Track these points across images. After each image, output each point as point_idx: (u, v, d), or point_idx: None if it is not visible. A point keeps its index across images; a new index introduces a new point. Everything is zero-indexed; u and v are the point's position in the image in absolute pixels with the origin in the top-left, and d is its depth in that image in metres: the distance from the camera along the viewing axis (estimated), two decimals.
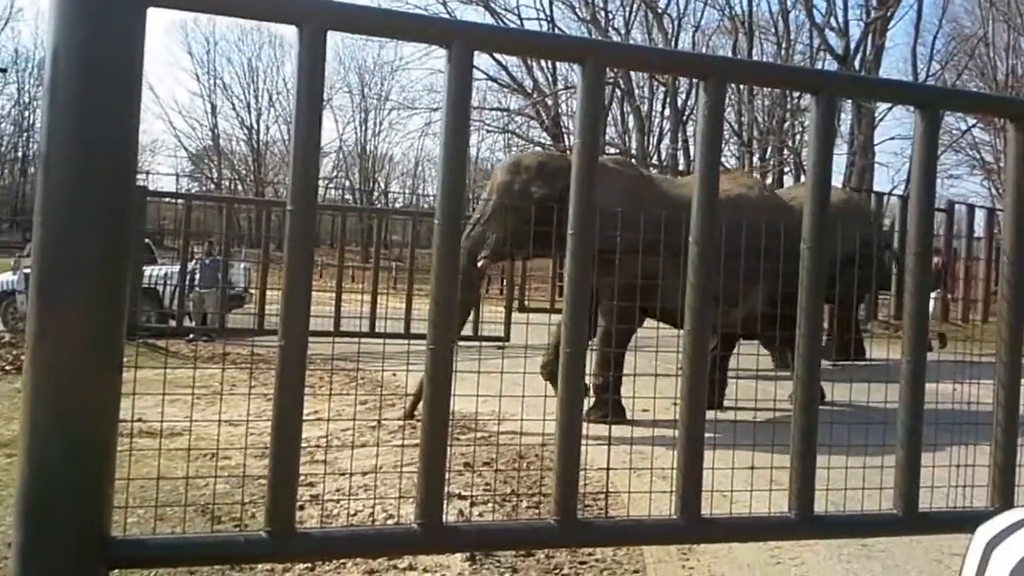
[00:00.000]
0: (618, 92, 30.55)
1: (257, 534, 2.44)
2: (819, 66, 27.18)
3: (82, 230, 2.32)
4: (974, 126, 29.56)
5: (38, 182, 2.34)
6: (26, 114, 45.10)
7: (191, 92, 50.76)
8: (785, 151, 29.70)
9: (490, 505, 4.15)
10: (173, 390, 3.12)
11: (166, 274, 12.59)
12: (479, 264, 6.70)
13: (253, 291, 12.81)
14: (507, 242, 6.58)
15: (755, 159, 31.64)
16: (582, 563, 3.63)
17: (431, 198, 15.04)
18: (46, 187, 2.32)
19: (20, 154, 46.17)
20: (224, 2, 2.78)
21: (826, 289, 3.40)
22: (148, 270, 12.34)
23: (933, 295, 11.54)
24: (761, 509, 3.10)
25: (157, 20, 2.61)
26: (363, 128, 46.73)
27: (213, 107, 46.56)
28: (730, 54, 29.21)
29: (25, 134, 45.93)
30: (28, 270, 10.80)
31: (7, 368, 8.66)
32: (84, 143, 2.32)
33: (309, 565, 3.16)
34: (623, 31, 30.54)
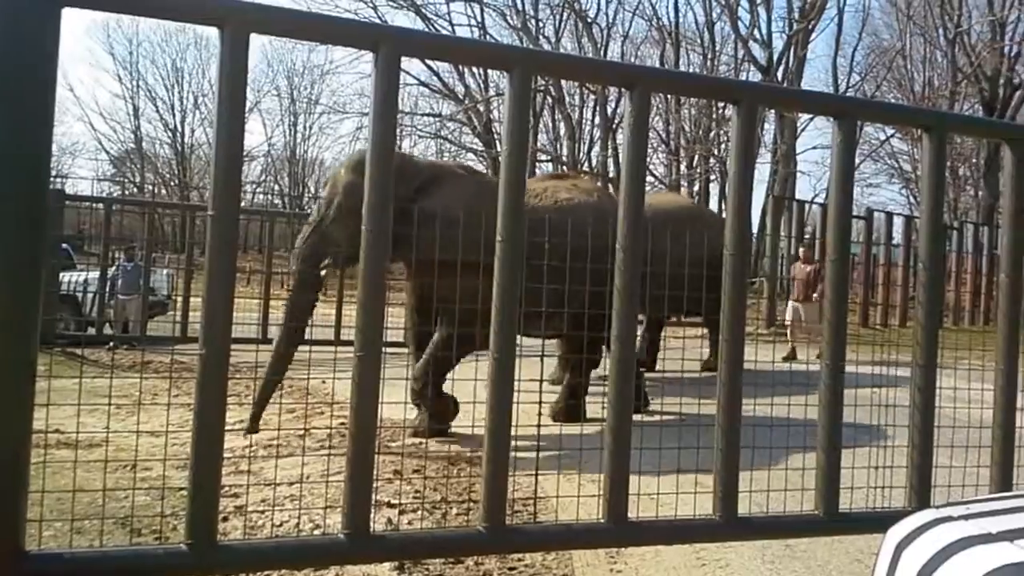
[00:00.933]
0: (549, 99, 30.78)
1: (177, 546, 2.39)
2: (743, 77, 27.84)
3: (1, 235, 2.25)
4: (892, 136, 30.61)
5: None
6: None
7: (113, 94, 49.80)
8: (711, 159, 30.29)
9: (419, 513, 4.12)
10: (91, 399, 3.02)
11: (85, 280, 12.20)
12: (322, 271, 6.27)
13: (176, 298, 12.49)
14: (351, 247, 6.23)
15: (683, 167, 32.20)
16: (511, 569, 3.64)
17: None
18: None
19: None
20: (143, 2, 2.72)
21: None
22: (66, 276, 11.94)
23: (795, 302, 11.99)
24: (687, 512, 3.16)
25: (77, 20, 2.55)
26: (292, 132, 46.13)
27: (136, 109, 45.40)
28: (658, 64, 29.72)
29: None
30: None
31: None
32: None
33: None
34: (553, 39, 30.78)
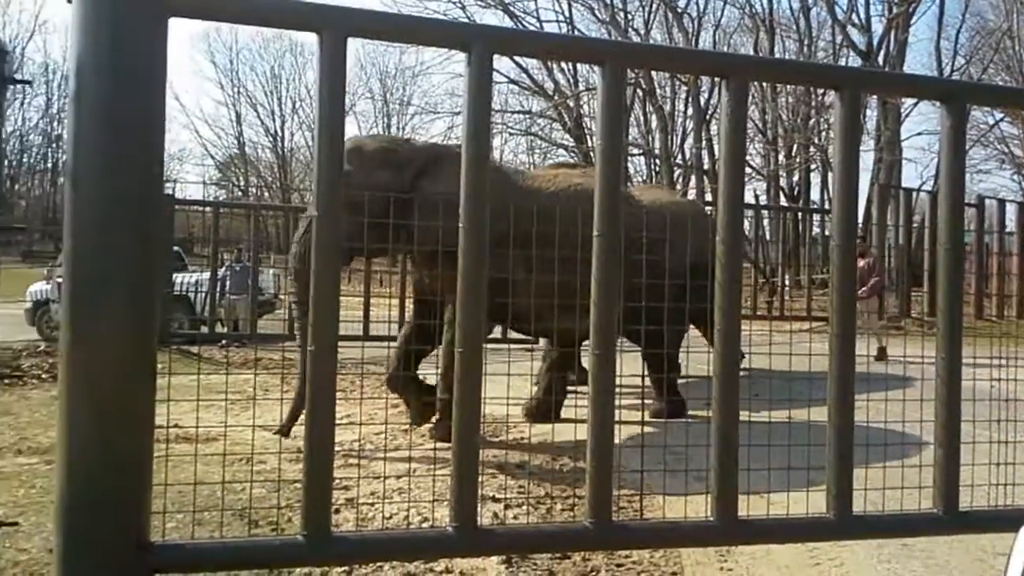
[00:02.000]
0: (640, 92, 30.45)
1: (294, 538, 2.45)
2: (842, 63, 26.98)
3: (111, 239, 2.33)
4: (1001, 120, 29.15)
5: (67, 193, 2.37)
6: (54, 125, 45.78)
7: (216, 101, 51.66)
8: (811, 148, 29.45)
9: (524, 508, 4.14)
10: (207, 395, 3.14)
11: (197, 281, 12.73)
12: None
13: (283, 296, 12.90)
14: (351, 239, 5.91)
15: (780, 157, 31.39)
16: (619, 565, 3.62)
17: None
18: (75, 198, 2.34)
19: (49, 165, 46.84)
20: (244, 11, 2.79)
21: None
22: (179, 277, 12.48)
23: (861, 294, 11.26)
24: (799, 510, 3.07)
25: (180, 31, 2.65)
26: (386, 133, 47.00)
27: (238, 115, 47.11)
28: (751, 52, 29.04)
29: (54, 144, 46.66)
30: (61, 279, 10.94)
31: (44, 376, 8.79)
32: (111, 154, 2.34)
33: (346, 568, 3.17)
34: (643, 31, 30.44)
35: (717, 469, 2.82)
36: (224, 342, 11.29)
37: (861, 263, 11.24)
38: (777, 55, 29.12)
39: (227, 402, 2.95)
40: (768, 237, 24.17)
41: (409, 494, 3.63)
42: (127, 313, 2.35)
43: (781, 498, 3.09)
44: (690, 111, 31.60)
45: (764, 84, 25.61)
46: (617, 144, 2.91)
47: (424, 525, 3.66)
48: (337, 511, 3.83)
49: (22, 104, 44.01)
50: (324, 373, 2.53)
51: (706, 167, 28.55)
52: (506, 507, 4.09)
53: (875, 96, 21.83)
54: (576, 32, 28.55)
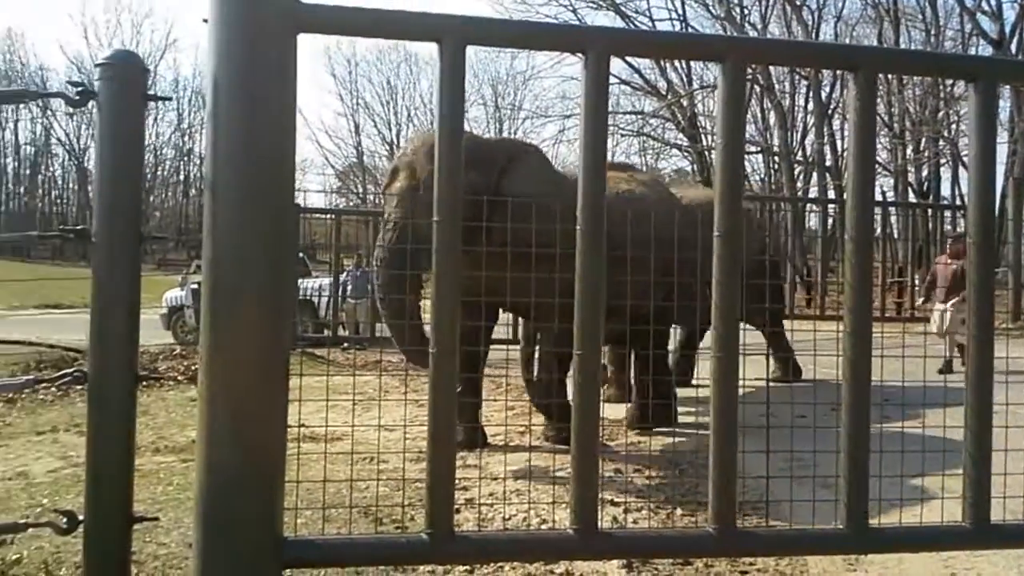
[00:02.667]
0: (757, 88, 29.71)
1: (419, 536, 2.50)
2: (972, 52, 25.61)
3: (247, 247, 2.43)
4: None
5: (205, 204, 2.48)
6: (185, 139, 48.29)
7: (336, 112, 53.15)
8: (941, 142, 28.06)
9: (644, 512, 4.10)
10: (333, 397, 3.25)
11: (320, 286, 13.18)
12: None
13: None
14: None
15: (908, 151, 30.04)
16: (743, 573, 3.54)
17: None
18: (213, 208, 2.45)
19: (182, 177, 49.43)
20: (368, 25, 2.86)
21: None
22: (304, 283, 12.95)
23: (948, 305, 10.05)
24: (933, 518, 2.94)
25: (303, 46, 2.74)
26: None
27: (356, 126, 48.50)
28: (875, 44, 27.92)
29: (186, 158, 49.21)
30: (195, 285, 11.52)
31: (179, 378, 9.27)
32: (246, 166, 2.44)
33: (468, 568, 3.22)
34: (760, 26, 29.70)
35: (846, 475, 2.72)
36: (345, 345, 11.63)
37: (953, 265, 10.09)
38: (903, 46, 27.92)
39: (354, 403, 3.04)
40: (896, 235, 23.20)
41: (529, 496, 3.65)
42: (261, 317, 2.44)
43: (915, 506, 2.95)
44: (811, 106, 30.61)
45: (890, 76, 24.57)
46: (739, 143, 2.84)
47: (543, 527, 3.67)
48: (458, 511, 3.88)
49: (156, 120, 46.65)
50: (445, 375, 2.57)
51: (828, 164, 27.57)
52: (625, 511, 4.06)
53: (1008, 86, 20.61)
54: (690, 29, 28.10)
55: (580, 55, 2.73)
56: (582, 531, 2.59)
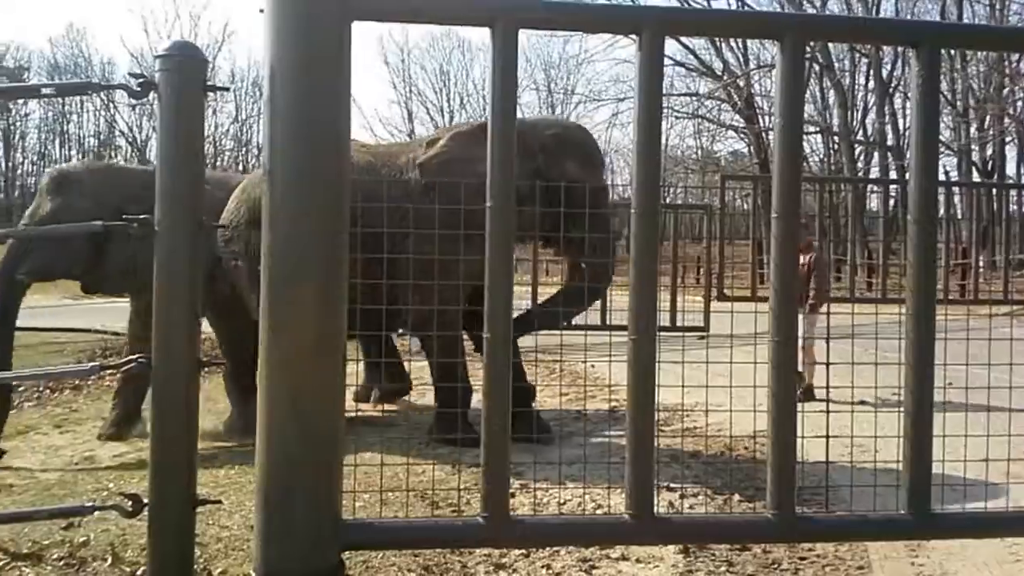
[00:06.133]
0: (816, 67, 29.08)
1: (475, 519, 2.52)
2: None
3: (305, 233, 2.46)
4: None
5: (264, 192, 2.52)
6: (243, 130, 49.04)
7: (389, 100, 53.45)
8: (1006, 119, 27.16)
9: (700, 498, 4.07)
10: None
11: None
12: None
13: None
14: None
15: (972, 129, 29.16)
16: (802, 559, 3.50)
17: (621, 189, 14.86)
18: (272, 196, 2.49)
19: (241, 168, 50.27)
20: (422, 11, 2.87)
21: None
22: None
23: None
24: (998, 504, 2.86)
25: (357, 35, 2.75)
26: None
27: (409, 113, 48.71)
28: (938, 19, 27.10)
29: (244, 148, 49.99)
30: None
31: None
32: (302, 153, 2.47)
33: (524, 552, 3.24)
34: (818, 3, 29.04)
35: (908, 460, 2.67)
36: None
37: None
38: (966, 20, 27.07)
39: (411, 388, 3.05)
40: (960, 216, 22.58)
41: (584, 480, 3.65)
42: (318, 302, 2.47)
43: (979, 492, 2.88)
44: (871, 85, 29.89)
45: (953, 52, 23.86)
46: (798, 123, 2.79)
47: (598, 512, 3.67)
48: (513, 495, 3.90)
49: (215, 111, 47.44)
50: (500, 361, 2.58)
51: (889, 143, 26.93)
52: (681, 497, 4.04)
53: None
54: (746, 7, 27.61)
55: (634, 37, 2.72)
56: (638, 516, 2.58)
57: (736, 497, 4.11)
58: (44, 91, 2.85)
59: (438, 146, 5.75)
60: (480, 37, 50.70)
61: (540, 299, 9.78)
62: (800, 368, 6.60)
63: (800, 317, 7.42)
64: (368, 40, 41.30)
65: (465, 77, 48.32)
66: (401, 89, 49.97)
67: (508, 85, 2.65)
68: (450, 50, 51.76)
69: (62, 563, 2.92)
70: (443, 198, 4.36)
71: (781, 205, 2.70)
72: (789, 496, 2.65)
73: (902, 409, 2.66)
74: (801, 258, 7.62)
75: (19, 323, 6.33)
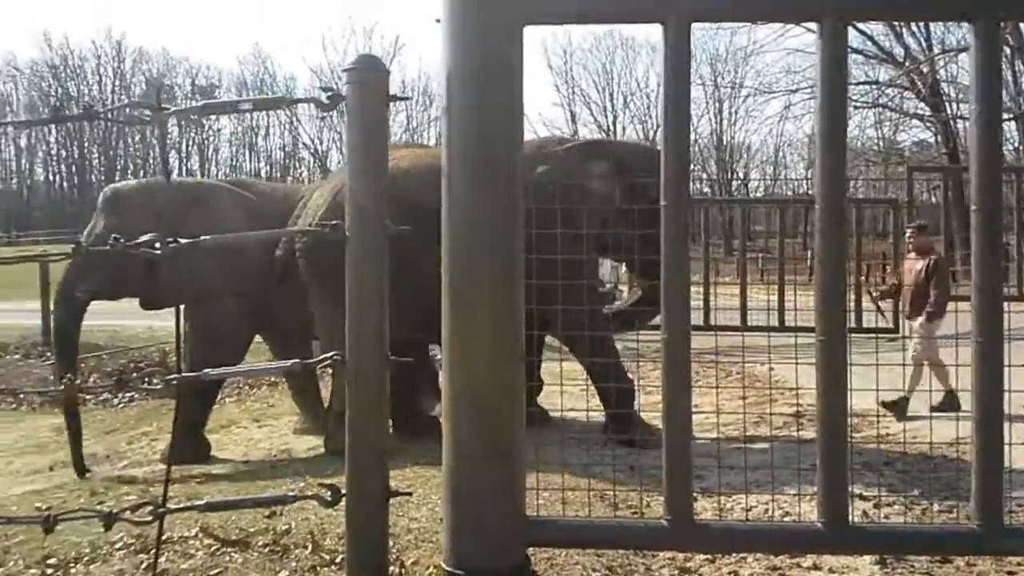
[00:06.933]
0: (1007, 50, 26.86)
1: (658, 522, 2.49)
2: None
3: (481, 236, 2.53)
4: None
5: (443, 196, 2.60)
6: (414, 138, 50.74)
7: (552, 103, 53.73)
8: None
9: (897, 507, 3.85)
10: (557, 380, 3.29)
11: None
12: None
13: (622, 287, 13.22)
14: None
15: None
16: (1010, 573, 3.23)
17: (795, 184, 14.35)
18: (450, 200, 2.56)
19: None
20: (593, 12, 2.88)
21: None
22: None
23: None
24: None
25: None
26: (718, 118, 46.15)
27: (572, 115, 48.91)
28: None
29: None
30: None
31: None
32: (478, 158, 2.53)
33: (709, 557, 3.17)
34: None
35: None
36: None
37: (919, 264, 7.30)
38: None
39: (587, 389, 3.06)
40: None
41: (772, 486, 3.53)
42: (495, 304, 2.52)
43: None
44: None
45: None
46: (997, 109, 2.59)
47: (786, 519, 3.54)
48: (695, 499, 3.83)
49: (390, 120, 49.34)
50: (679, 360, 2.54)
51: None
52: (876, 506, 3.83)
53: None
54: None
55: (815, 24, 2.61)
56: (831, 524, 2.48)
57: (936, 507, 3.86)
58: (242, 107, 3.01)
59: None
60: (643, 34, 50.09)
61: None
62: (914, 384, 6.03)
63: (915, 326, 7.08)
64: (531, 44, 41.84)
65: (629, 75, 47.97)
66: (564, 91, 50.24)
67: (681, 81, 2.60)
68: (613, 49, 51.55)
69: (267, 549, 3.11)
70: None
71: (981, 198, 2.51)
72: (996, 505, 2.47)
73: None
74: (919, 263, 7.15)
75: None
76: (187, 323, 6.74)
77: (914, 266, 7.21)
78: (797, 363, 3.03)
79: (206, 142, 53.34)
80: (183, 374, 2.64)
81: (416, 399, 6.62)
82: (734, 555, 3.07)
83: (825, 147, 2.57)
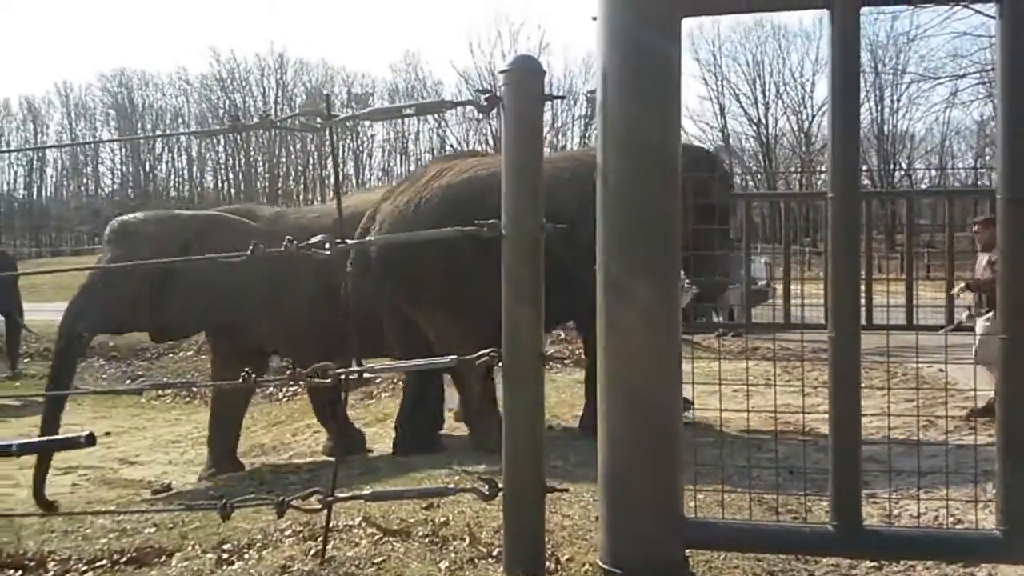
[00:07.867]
0: None
1: (823, 527, 2.41)
2: None
3: (639, 232, 2.51)
4: None
5: (598, 193, 2.59)
6: (559, 136, 50.81)
7: (700, 97, 52.43)
8: None
9: None
10: (705, 381, 3.22)
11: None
12: None
13: (776, 286, 12.83)
14: None
15: None
16: None
17: (963, 174, 13.50)
18: (606, 197, 2.56)
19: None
20: (756, 0, 2.81)
21: None
22: None
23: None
24: None
25: None
26: (879, 107, 43.84)
27: (721, 108, 47.65)
28: None
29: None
30: None
31: (565, 361, 9.82)
32: (635, 154, 2.52)
33: (876, 564, 3.03)
34: None
35: None
36: (720, 331, 11.55)
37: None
38: None
39: (747, 388, 3.00)
40: None
41: (947, 492, 3.33)
42: (651, 301, 2.50)
43: None
44: None
45: None
46: None
47: (958, 526, 3.33)
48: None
49: None
50: (848, 360, 2.44)
51: None
52: None
53: None
54: None
55: (995, 2, 2.44)
56: (1011, 533, 2.33)
57: None
58: (406, 112, 3.13)
59: None
60: (796, 22, 48.26)
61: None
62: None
63: (979, 325, 6.44)
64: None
65: (781, 65, 46.12)
66: (712, 84, 49.01)
67: (850, 67, 2.50)
68: (764, 39, 49.80)
69: (427, 540, 3.20)
70: None
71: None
72: None
73: None
74: (985, 257, 6.47)
75: None
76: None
77: (981, 261, 6.65)
78: (975, 364, 2.85)
79: (360, 147, 55.41)
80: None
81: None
82: (902, 563, 2.92)
83: (1008, 131, 2.41)
